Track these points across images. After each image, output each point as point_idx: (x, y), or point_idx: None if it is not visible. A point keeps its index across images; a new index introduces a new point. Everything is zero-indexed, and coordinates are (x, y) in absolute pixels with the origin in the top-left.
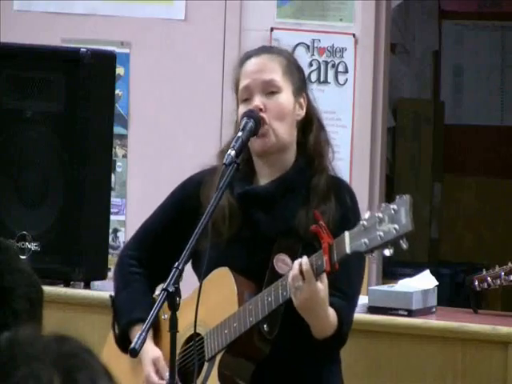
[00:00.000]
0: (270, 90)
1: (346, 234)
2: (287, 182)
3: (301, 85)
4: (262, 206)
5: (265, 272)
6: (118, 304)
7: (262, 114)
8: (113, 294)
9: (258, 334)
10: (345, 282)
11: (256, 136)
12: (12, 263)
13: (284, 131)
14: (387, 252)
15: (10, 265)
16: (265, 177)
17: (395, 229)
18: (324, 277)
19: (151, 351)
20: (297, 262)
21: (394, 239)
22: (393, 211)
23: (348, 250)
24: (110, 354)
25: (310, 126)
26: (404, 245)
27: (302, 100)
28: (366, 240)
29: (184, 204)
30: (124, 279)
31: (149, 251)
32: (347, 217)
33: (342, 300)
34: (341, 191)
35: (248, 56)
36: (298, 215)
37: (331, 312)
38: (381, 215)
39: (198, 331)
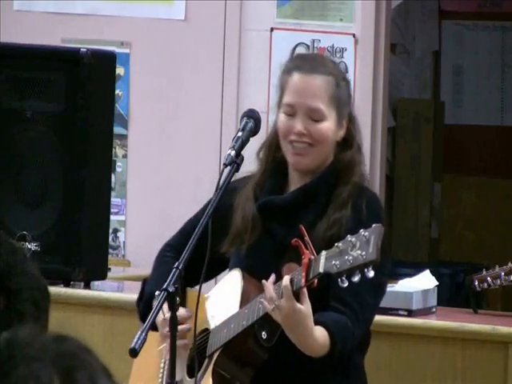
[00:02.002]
0: (314, 117)
1: (323, 253)
2: (306, 192)
3: (345, 106)
4: (280, 216)
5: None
6: (147, 283)
7: (303, 139)
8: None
9: (254, 340)
10: (356, 299)
11: (294, 154)
12: (20, 266)
13: (321, 155)
14: (356, 278)
15: (17, 267)
16: (294, 185)
17: (362, 256)
18: (305, 297)
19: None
20: (269, 283)
21: (360, 266)
22: (364, 238)
23: (321, 269)
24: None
25: (348, 145)
26: (369, 273)
27: (343, 122)
28: (337, 262)
29: (217, 209)
30: (156, 262)
31: (185, 244)
32: (360, 228)
33: (349, 318)
34: (359, 199)
35: (298, 68)
36: (316, 226)
37: (321, 333)
38: (354, 240)
39: (208, 326)
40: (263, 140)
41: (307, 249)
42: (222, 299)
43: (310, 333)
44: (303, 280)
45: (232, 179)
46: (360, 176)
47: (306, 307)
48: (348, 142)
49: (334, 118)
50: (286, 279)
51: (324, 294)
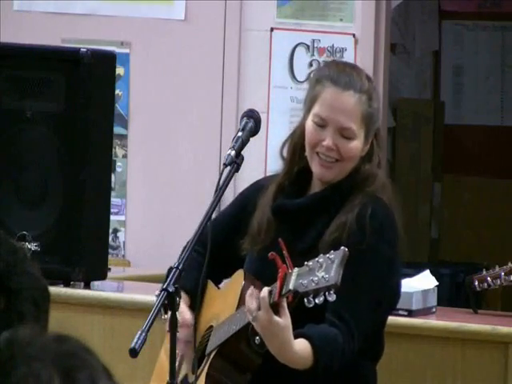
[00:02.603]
0: (345, 135)
1: (295, 270)
2: (319, 199)
3: (375, 123)
4: (291, 220)
5: None
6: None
7: (331, 154)
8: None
9: (247, 345)
10: (351, 312)
11: (321, 165)
12: (20, 265)
13: (346, 170)
14: (320, 299)
15: (17, 267)
16: (315, 190)
17: (325, 278)
18: (284, 310)
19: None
20: (248, 293)
21: (322, 288)
22: (329, 261)
23: (291, 287)
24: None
25: (369, 159)
26: (330, 298)
27: (370, 138)
28: (304, 281)
29: (244, 204)
30: (181, 255)
31: (214, 242)
32: (359, 236)
33: (341, 331)
34: (365, 206)
35: (334, 81)
36: (325, 234)
37: (303, 346)
38: (321, 261)
39: (212, 324)
40: (286, 136)
41: (284, 262)
42: (225, 298)
43: (289, 345)
44: (277, 294)
45: (231, 179)
46: (375, 187)
47: (284, 320)
48: (369, 156)
49: (363, 136)
50: (264, 291)
51: (315, 306)
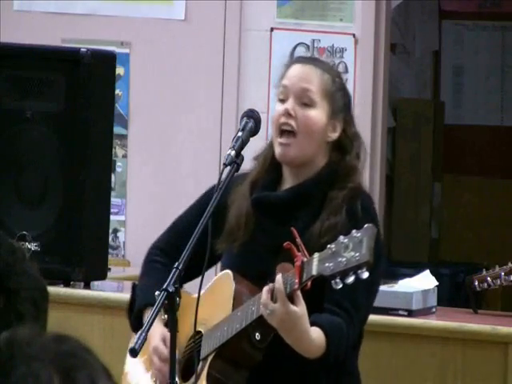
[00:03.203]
0: (305, 100)
1: (316, 255)
2: (301, 192)
3: (340, 110)
4: (274, 213)
5: (268, 279)
6: (136, 290)
7: (289, 121)
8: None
9: (248, 342)
10: (350, 300)
11: (280, 143)
12: (19, 265)
13: (308, 147)
14: (349, 279)
15: (16, 267)
16: (287, 185)
17: (355, 257)
18: (299, 299)
19: (161, 329)
20: (265, 289)
21: (354, 267)
22: (357, 239)
23: (314, 272)
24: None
25: (345, 151)
26: (363, 275)
27: (337, 124)
28: (330, 264)
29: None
30: (147, 267)
31: (176, 247)
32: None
33: (343, 319)
34: (353, 202)
35: (297, 60)
36: (308, 230)
37: (317, 334)
38: (346, 241)
39: (200, 329)
40: (263, 145)
41: (299, 251)
42: (214, 301)
43: (306, 334)
44: (297, 282)
45: (231, 179)
46: (357, 184)
47: (300, 308)
48: (345, 148)
49: (326, 112)
50: (278, 283)
51: (318, 295)
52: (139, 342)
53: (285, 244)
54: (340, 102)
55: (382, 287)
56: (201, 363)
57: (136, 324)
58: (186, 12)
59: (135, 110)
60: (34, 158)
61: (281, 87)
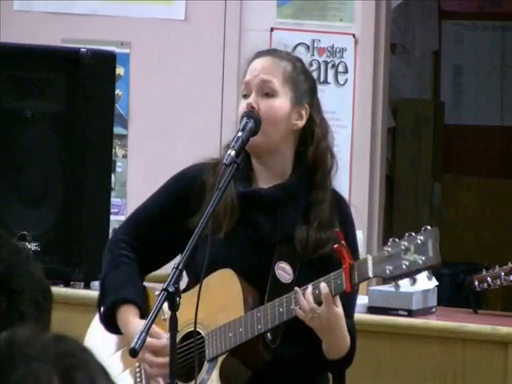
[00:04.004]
0: (266, 91)
1: (369, 257)
2: (289, 190)
3: (304, 94)
4: (264, 209)
5: (263, 278)
6: (105, 284)
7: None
8: (101, 275)
9: (262, 342)
10: (349, 304)
11: None
12: (22, 266)
13: (274, 135)
14: (405, 281)
15: (20, 268)
16: (263, 179)
17: (422, 260)
18: (338, 300)
19: (139, 323)
20: (309, 294)
21: (420, 270)
22: (419, 241)
23: (371, 274)
24: (94, 338)
25: (310, 138)
26: (429, 278)
27: (302, 110)
28: (390, 267)
29: (177, 196)
30: (114, 261)
31: (140, 238)
32: (347, 234)
33: (350, 320)
34: (342, 210)
35: (256, 55)
36: (298, 229)
37: (347, 334)
38: (406, 244)
39: (197, 329)
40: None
41: (347, 253)
42: (214, 302)
43: (344, 333)
44: (348, 285)
45: (231, 179)
46: (330, 177)
47: (340, 309)
48: (314, 138)
49: (290, 99)
50: (323, 287)
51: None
52: (139, 342)
53: (336, 246)
54: (303, 86)
55: (382, 287)
56: (207, 365)
57: (107, 321)
58: (186, 12)
59: (135, 110)
60: (34, 158)
61: (243, 84)
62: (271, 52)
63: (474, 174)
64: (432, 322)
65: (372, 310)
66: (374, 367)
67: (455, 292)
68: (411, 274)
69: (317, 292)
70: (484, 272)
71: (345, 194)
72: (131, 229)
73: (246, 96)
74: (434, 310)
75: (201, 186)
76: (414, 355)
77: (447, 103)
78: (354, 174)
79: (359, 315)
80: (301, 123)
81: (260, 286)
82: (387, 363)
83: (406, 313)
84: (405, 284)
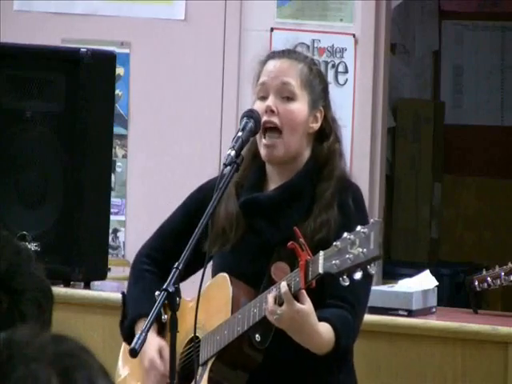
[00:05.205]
0: (285, 94)
1: (321, 253)
2: (291, 189)
3: (319, 97)
4: (265, 214)
5: (263, 279)
6: (127, 299)
7: (272, 119)
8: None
9: (248, 344)
10: (352, 293)
11: (265, 145)
12: (24, 266)
13: (294, 143)
14: (357, 275)
15: (21, 267)
16: (274, 183)
17: (363, 253)
18: (305, 297)
19: (156, 340)
20: (270, 296)
21: (363, 263)
22: (363, 235)
23: (321, 270)
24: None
25: (326, 138)
26: (372, 270)
27: (317, 113)
28: (337, 262)
29: (195, 210)
30: (136, 276)
31: (164, 252)
32: (349, 225)
33: (348, 312)
34: (345, 196)
35: (272, 56)
36: (300, 226)
37: (326, 328)
38: (353, 238)
39: (197, 334)
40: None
41: (303, 250)
42: (211, 305)
43: (316, 330)
44: (302, 282)
45: (231, 179)
46: (341, 169)
47: (307, 306)
48: (325, 135)
49: (307, 103)
50: (283, 285)
51: (320, 291)
52: (139, 342)
53: (289, 244)
54: (318, 88)
55: (382, 287)
56: (200, 368)
57: (129, 335)
58: (186, 12)
59: (135, 110)
60: (33, 158)
61: (259, 85)
62: (288, 53)
63: (474, 173)
64: (432, 321)
65: (372, 310)
66: (374, 367)
67: (455, 292)
68: (356, 267)
69: (279, 292)
70: (484, 272)
71: None
72: (155, 243)
73: (263, 98)
74: (433, 310)
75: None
76: (414, 355)
77: (447, 103)
78: (353, 174)
79: None
80: (316, 126)
81: (259, 288)
82: (387, 363)
83: (405, 313)
84: (405, 284)
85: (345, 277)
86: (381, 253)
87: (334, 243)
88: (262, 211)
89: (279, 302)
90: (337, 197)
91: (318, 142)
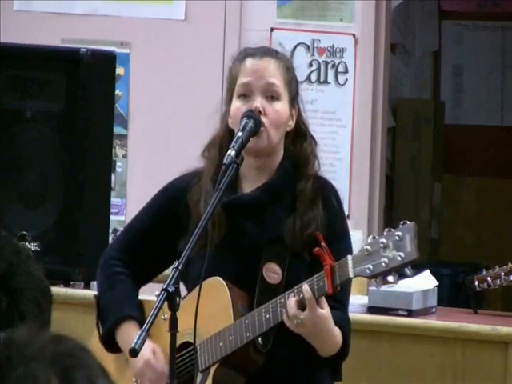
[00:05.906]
0: (271, 94)
1: (349, 257)
2: (273, 188)
3: (295, 95)
4: (249, 214)
5: (254, 281)
6: (103, 303)
7: (261, 119)
8: (97, 294)
9: (253, 348)
10: (341, 291)
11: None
12: (23, 266)
13: (277, 138)
14: (391, 278)
15: (21, 267)
16: (249, 182)
17: (400, 256)
18: (324, 301)
19: (149, 342)
20: (292, 301)
21: (399, 266)
22: (397, 238)
23: (351, 274)
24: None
25: (304, 137)
26: (409, 272)
27: (294, 111)
28: (369, 266)
29: (166, 209)
30: (109, 279)
31: (132, 253)
32: (334, 221)
33: (342, 312)
34: (327, 194)
35: (250, 54)
36: (286, 224)
37: (337, 331)
38: (385, 241)
39: (189, 340)
40: (208, 141)
41: (325, 255)
42: (206, 310)
43: (332, 334)
44: (329, 287)
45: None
46: (317, 168)
47: (326, 310)
48: (300, 134)
49: (288, 102)
50: (307, 290)
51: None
52: (139, 341)
53: (315, 250)
54: (295, 87)
55: (382, 287)
56: (200, 375)
57: (109, 342)
58: (186, 12)
59: (135, 110)
60: (34, 158)
61: (242, 84)
62: (267, 52)
63: (474, 173)
64: (432, 322)
65: (372, 310)
66: (374, 367)
67: (455, 292)
68: (392, 271)
69: (300, 296)
70: (484, 272)
71: (345, 193)
72: (122, 243)
73: (244, 96)
74: (433, 310)
75: (186, 206)
76: (414, 355)
77: (447, 103)
78: (354, 174)
79: (359, 315)
80: (292, 123)
81: (251, 291)
82: (387, 363)
83: (405, 313)
84: (405, 284)
85: (378, 280)
86: (418, 255)
87: (364, 247)
88: (246, 211)
89: (301, 306)
90: (319, 195)
91: (292, 140)
